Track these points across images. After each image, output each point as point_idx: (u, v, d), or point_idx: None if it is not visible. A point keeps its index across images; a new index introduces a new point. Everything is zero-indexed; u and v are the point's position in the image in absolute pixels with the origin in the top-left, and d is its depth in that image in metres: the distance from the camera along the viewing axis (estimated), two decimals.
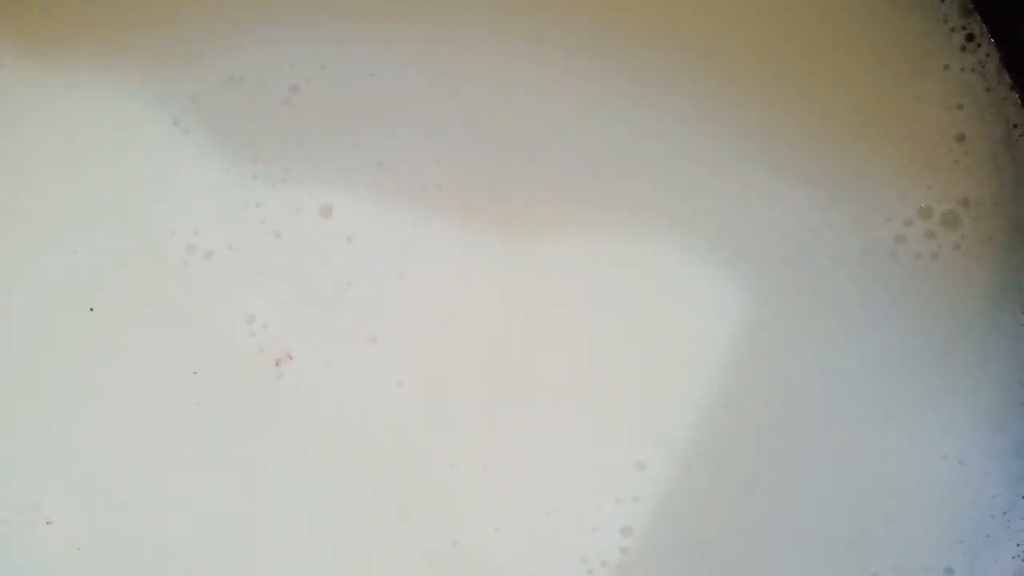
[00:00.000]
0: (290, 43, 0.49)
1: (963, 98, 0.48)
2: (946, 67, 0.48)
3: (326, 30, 0.49)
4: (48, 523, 0.48)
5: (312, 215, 0.49)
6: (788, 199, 0.48)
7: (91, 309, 0.49)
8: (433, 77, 0.49)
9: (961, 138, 0.48)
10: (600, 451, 0.48)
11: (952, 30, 0.48)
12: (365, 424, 0.48)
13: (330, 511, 0.48)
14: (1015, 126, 0.48)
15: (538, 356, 0.48)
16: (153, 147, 0.49)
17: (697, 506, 0.47)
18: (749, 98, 0.48)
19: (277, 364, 0.49)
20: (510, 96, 0.49)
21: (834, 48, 0.48)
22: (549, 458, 0.48)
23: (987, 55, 0.48)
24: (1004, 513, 0.46)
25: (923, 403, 0.47)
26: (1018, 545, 0.46)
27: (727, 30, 0.48)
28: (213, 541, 0.48)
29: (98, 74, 0.49)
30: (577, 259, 0.48)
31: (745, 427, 0.47)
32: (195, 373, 0.48)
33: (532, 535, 0.48)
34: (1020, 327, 0.47)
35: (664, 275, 0.48)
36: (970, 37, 0.48)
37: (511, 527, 0.48)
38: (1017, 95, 0.48)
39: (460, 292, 0.49)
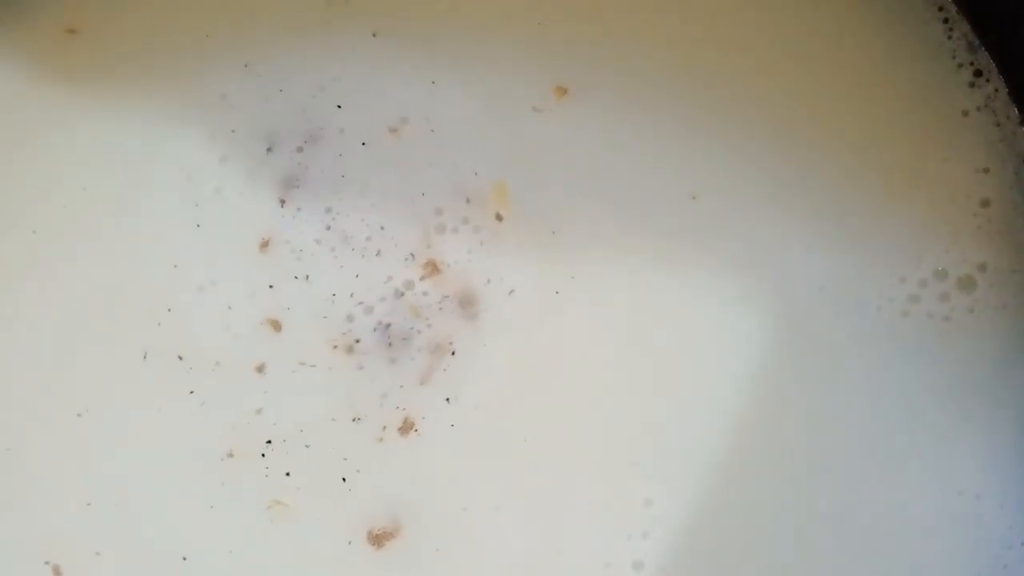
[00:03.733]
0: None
1: (990, 161, 0.48)
2: (965, 113, 0.48)
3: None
4: None
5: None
6: (804, 254, 0.48)
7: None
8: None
9: (986, 203, 0.48)
10: (608, 488, 0.48)
11: (960, 66, 0.48)
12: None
13: (349, 554, 0.48)
14: None
15: (545, 396, 0.48)
16: None
17: (706, 540, 0.47)
18: (772, 155, 0.48)
19: None
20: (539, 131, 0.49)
21: (850, 105, 0.48)
22: (558, 496, 0.48)
23: (995, 90, 0.48)
24: (1022, 544, 0.47)
25: (938, 444, 0.47)
26: None
27: (748, 89, 0.49)
28: None
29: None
30: (588, 301, 0.48)
31: (754, 464, 0.47)
32: None
33: (545, 572, 0.47)
34: None
35: (676, 319, 0.48)
36: (978, 73, 0.48)
37: (524, 565, 0.47)
38: None
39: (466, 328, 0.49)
